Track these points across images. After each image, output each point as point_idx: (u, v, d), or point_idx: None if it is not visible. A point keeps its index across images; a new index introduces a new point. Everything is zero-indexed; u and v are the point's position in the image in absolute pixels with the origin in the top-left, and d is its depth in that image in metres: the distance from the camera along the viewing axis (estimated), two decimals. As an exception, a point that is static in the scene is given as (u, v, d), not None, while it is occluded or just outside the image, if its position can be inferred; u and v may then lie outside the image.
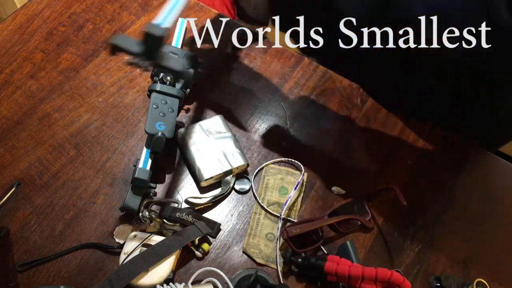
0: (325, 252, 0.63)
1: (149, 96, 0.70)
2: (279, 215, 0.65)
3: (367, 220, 0.66)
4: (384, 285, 0.56)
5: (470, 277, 0.63)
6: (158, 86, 0.69)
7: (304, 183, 0.69)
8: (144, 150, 0.66)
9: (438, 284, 0.62)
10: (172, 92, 0.69)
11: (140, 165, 0.64)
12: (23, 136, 0.71)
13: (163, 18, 0.58)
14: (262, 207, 0.67)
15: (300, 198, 0.68)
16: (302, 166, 0.70)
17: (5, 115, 0.73)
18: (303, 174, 0.69)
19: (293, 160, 0.71)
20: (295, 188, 0.67)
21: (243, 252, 0.63)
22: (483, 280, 0.61)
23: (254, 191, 0.68)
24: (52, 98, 0.75)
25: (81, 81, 0.77)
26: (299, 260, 0.59)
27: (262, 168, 0.70)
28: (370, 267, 0.55)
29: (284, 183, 0.69)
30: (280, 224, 0.65)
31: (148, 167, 0.64)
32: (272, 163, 0.71)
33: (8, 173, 0.67)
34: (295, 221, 0.66)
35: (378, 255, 0.65)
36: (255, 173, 0.70)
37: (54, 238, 0.62)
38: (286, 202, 0.66)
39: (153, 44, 0.57)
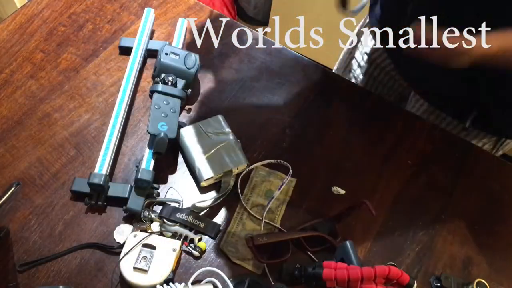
0: (316, 259, 0.63)
1: (150, 96, 0.70)
2: (260, 217, 0.65)
3: (336, 241, 0.64)
4: (384, 282, 0.56)
5: (470, 277, 0.63)
6: (160, 87, 0.69)
7: (291, 188, 0.69)
8: (147, 150, 0.66)
9: (438, 284, 0.62)
10: (174, 92, 0.70)
11: (143, 165, 0.64)
12: (23, 136, 0.71)
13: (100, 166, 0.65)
14: (244, 208, 0.66)
15: (285, 203, 0.67)
16: (290, 168, 0.69)
17: (5, 115, 0.73)
18: (288, 176, 0.67)
19: (281, 161, 0.70)
20: (279, 189, 0.67)
21: (220, 250, 0.63)
22: (483, 280, 0.61)
23: (239, 191, 0.68)
24: (52, 98, 0.75)
25: (81, 81, 0.77)
26: (296, 272, 0.59)
27: (252, 169, 0.70)
28: (368, 267, 0.55)
29: (272, 186, 0.68)
30: (262, 227, 0.64)
31: (151, 168, 0.64)
32: (262, 165, 0.70)
33: (8, 173, 0.67)
34: (277, 225, 0.65)
35: (378, 255, 0.65)
36: (243, 173, 0.69)
37: (54, 238, 0.62)
38: (268, 204, 0.66)
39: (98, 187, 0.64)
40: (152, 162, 0.65)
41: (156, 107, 0.67)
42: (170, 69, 0.71)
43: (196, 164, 0.67)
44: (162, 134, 0.64)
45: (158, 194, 0.66)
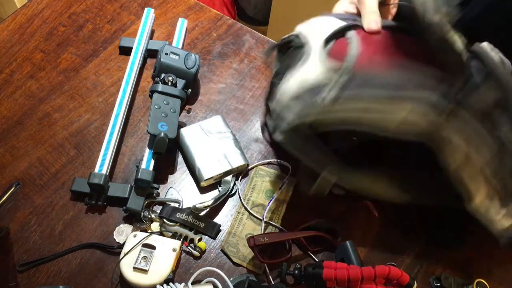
0: (316, 259, 0.63)
1: (150, 96, 0.70)
2: (261, 217, 0.65)
3: (336, 241, 0.64)
4: (384, 282, 0.56)
5: (470, 277, 0.63)
6: (160, 87, 0.69)
7: (291, 188, 0.68)
8: (147, 150, 0.66)
9: (438, 284, 0.62)
10: (174, 92, 0.70)
11: (143, 165, 0.64)
12: (23, 136, 0.71)
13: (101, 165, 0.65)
14: (245, 207, 0.66)
15: (285, 203, 0.67)
16: (290, 168, 0.69)
17: (5, 115, 0.73)
18: (288, 176, 0.68)
19: (281, 161, 0.70)
20: (280, 189, 0.67)
21: (221, 250, 0.63)
22: (483, 280, 0.61)
23: (239, 191, 0.67)
24: (52, 98, 0.75)
25: (81, 81, 0.77)
26: (296, 272, 0.59)
27: (252, 168, 0.70)
28: (368, 267, 0.55)
29: (272, 186, 0.68)
30: (262, 227, 0.64)
31: (151, 168, 0.64)
32: (262, 165, 0.70)
33: (8, 173, 0.67)
34: (278, 225, 0.65)
35: (378, 255, 0.65)
36: (242, 173, 0.69)
37: (54, 238, 0.62)
38: (268, 204, 0.65)
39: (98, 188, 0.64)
40: (152, 162, 0.65)
41: (156, 107, 0.67)
42: (170, 69, 0.71)
43: (196, 164, 0.67)
44: (162, 134, 0.64)
45: (158, 194, 0.66)
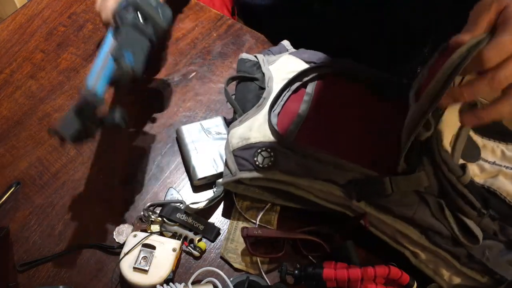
0: (314, 261, 0.62)
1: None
2: (254, 221, 0.64)
3: (331, 247, 0.62)
4: (384, 282, 0.56)
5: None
6: (132, 15, 0.58)
7: None
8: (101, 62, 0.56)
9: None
10: (147, 30, 0.59)
11: (93, 82, 0.53)
12: (23, 136, 0.71)
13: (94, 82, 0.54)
14: (239, 212, 0.65)
15: (279, 206, 0.66)
16: None
17: (5, 115, 0.73)
18: None
19: None
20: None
21: (221, 257, 0.62)
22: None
23: (234, 195, 0.66)
24: (52, 98, 0.75)
25: (81, 81, 0.77)
26: (296, 272, 0.58)
27: None
28: (368, 267, 0.55)
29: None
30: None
31: (103, 90, 0.54)
32: None
33: (8, 173, 0.67)
34: (273, 228, 0.64)
35: (377, 255, 0.64)
36: None
37: (54, 238, 0.62)
38: (263, 209, 0.65)
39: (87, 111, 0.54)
40: (106, 86, 0.55)
41: (125, 34, 0.56)
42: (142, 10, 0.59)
43: (191, 162, 0.66)
44: (127, 61, 0.54)
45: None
